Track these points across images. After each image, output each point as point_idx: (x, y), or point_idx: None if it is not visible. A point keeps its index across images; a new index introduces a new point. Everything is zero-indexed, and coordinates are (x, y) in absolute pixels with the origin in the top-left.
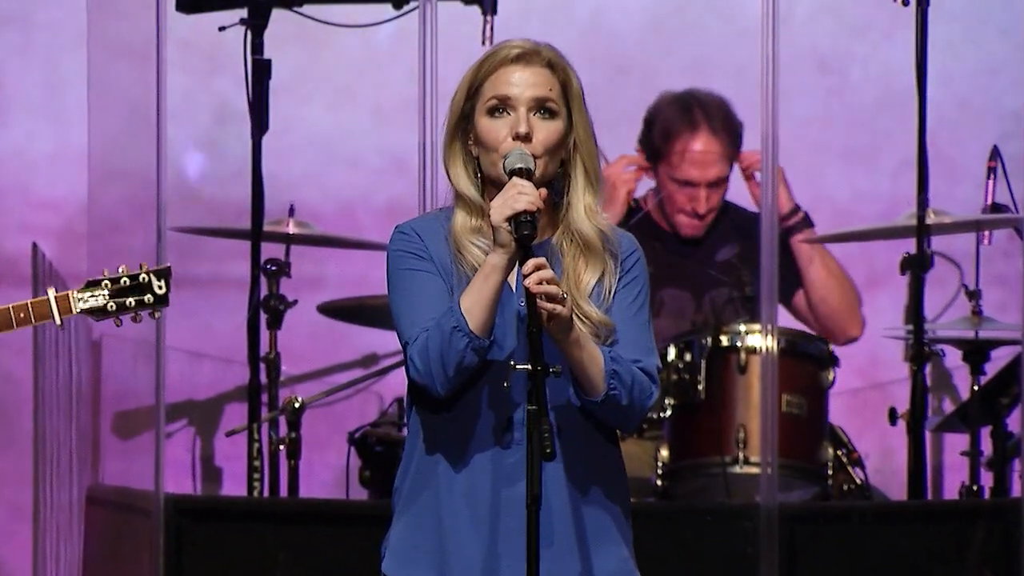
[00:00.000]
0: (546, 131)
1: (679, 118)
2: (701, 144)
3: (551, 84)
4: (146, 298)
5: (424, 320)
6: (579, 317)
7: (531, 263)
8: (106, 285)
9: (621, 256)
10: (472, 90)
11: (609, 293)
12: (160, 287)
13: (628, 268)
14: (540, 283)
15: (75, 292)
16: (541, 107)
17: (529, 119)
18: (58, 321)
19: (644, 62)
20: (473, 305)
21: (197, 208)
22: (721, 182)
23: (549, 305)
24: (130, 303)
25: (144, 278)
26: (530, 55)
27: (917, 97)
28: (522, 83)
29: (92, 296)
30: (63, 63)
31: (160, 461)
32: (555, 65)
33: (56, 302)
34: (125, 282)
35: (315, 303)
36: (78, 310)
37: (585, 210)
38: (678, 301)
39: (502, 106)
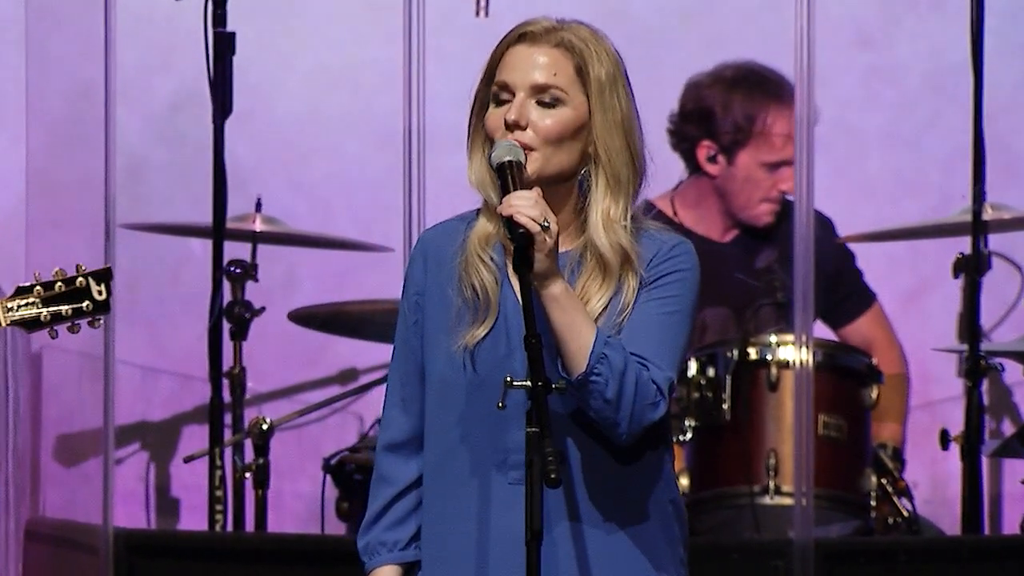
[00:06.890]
0: (550, 118)
1: (757, 94)
2: (792, 114)
3: (557, 68)
4: (84, 305)
5: (394, 396)
6: None
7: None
8: (38, 292)
9: (651, 256)
10: (488, 74)
11: (622, 314)
12: (100, 292)
13: (662, 261)
14: (516, 212)
15: (4, 301)
16: (542, 94)
17: (525, 106)
18: None
19: (659, 35)
20: None
21: (151, 202)
22: None
23: (524, 219)
24: (66, 311)
25: (81, 281)
26: (537, 34)
27: (972, 75)
28: (522, 66)
29: (23, 305)
30: None
31: (109, 491)
32: (571, 46)
33: None
34: (60, 287)
35: (286, 310)
36: (8, 322)
37: (602, 220)
38: (720, 320)
39: (503, 92)
